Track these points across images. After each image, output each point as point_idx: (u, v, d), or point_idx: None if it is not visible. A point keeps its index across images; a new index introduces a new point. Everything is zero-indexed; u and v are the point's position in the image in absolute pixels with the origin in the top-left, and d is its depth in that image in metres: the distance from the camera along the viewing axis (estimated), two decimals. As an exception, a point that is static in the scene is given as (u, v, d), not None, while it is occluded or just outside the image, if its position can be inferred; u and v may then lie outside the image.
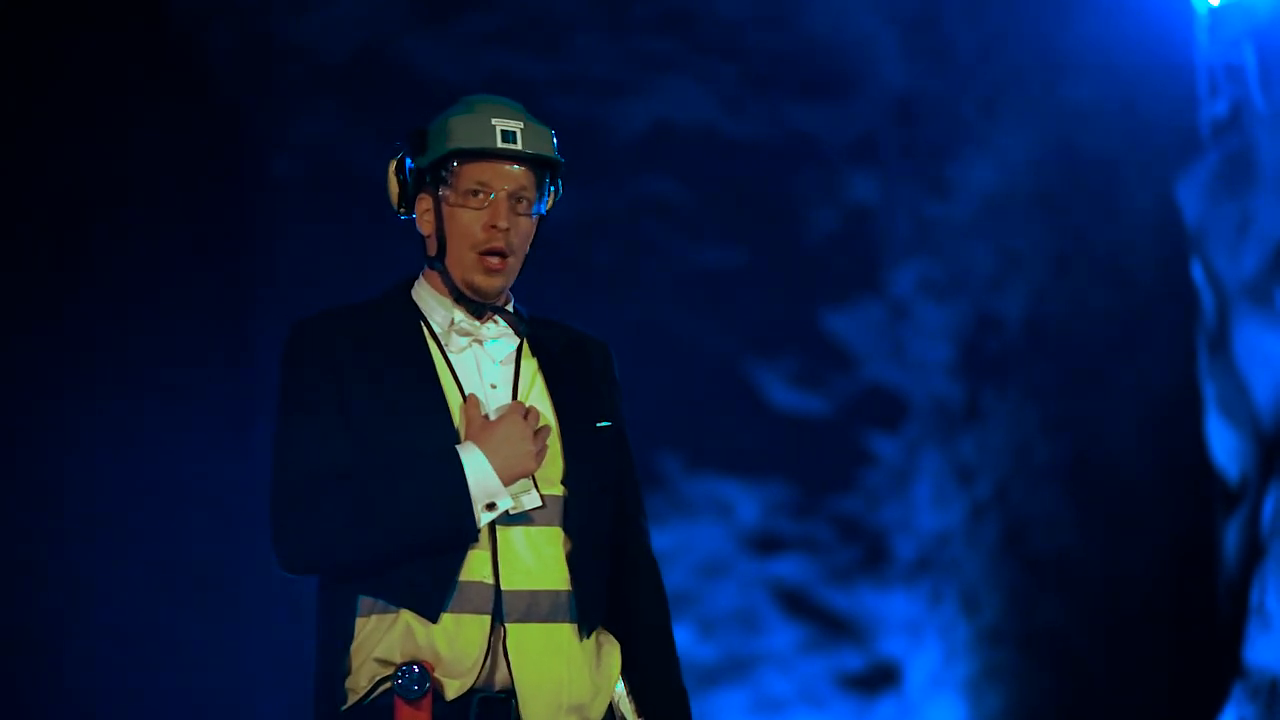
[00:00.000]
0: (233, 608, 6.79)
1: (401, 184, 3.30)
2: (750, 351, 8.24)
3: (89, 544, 6.70)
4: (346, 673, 3.16)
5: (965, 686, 8.10)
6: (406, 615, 3.13)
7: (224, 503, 6.62)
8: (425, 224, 3.29)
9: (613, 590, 3.30)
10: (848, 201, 8.28)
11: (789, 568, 8.24)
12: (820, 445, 8.26)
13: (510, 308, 3.31)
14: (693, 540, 8.21)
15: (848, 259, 8.27)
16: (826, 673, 8.21)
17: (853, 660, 8.22)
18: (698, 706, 8.36)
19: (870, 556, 8.27)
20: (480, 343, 3.27)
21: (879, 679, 8.23)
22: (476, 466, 3.13)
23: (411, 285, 3.33)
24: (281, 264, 7.68)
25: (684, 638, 8.08)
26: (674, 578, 8.12)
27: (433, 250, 3.28)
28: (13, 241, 6.70)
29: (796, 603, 8.24)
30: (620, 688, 3.29)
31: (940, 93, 8.17)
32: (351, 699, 3.16)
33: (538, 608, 3.16)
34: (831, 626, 8.23)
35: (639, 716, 3.30)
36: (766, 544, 8.24)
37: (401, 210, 3.33)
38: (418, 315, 3.28)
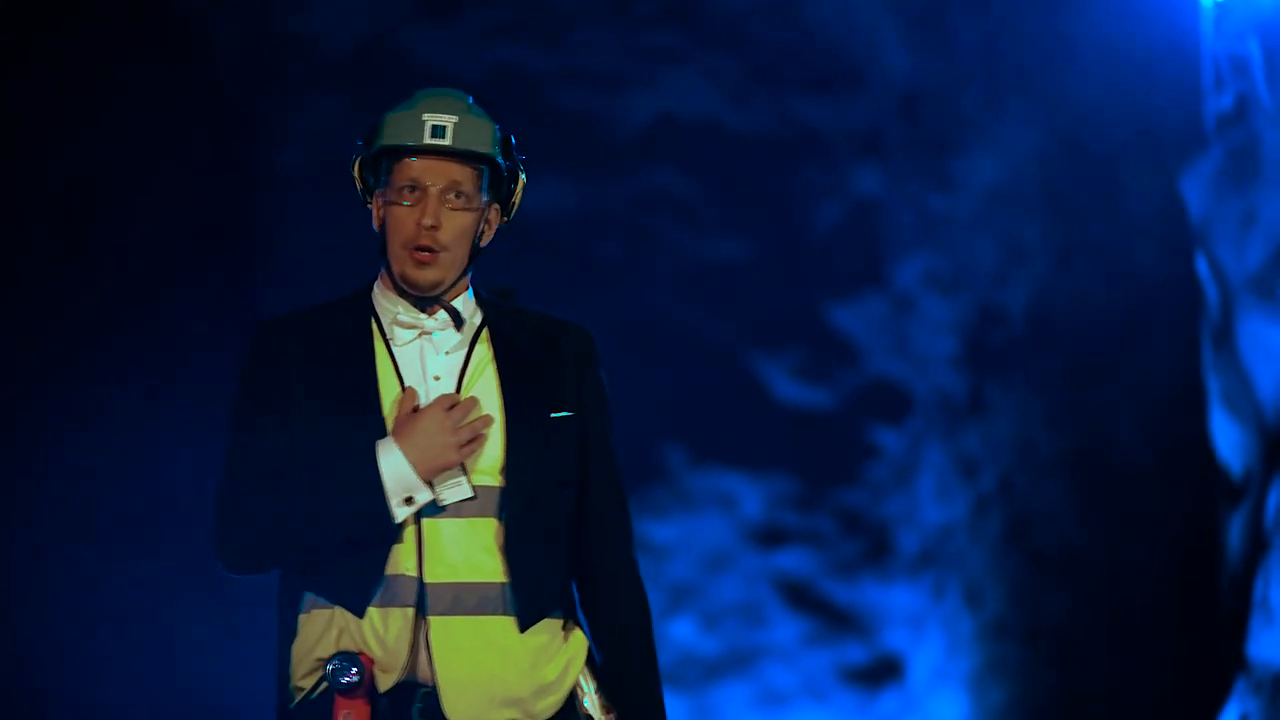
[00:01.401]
0: (235, 605, 6.78)
1: (362, 180, 3.28)
2: (754, 344, 8.24)
3: (89, 541, 6.70)
4: (291, 669, 3.18)
5: (968, 680, 8.11)
6: (339, 610, 3.13)
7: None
8: (377, 220, 3.27)
9: (584, 587, 3.28)
10: (852, 195, 8.28)
11: (792, 561, 8.24)
12: (824, 438, 8.26)
13: (467, 296, 3.29)
14: (696, 533, 8.21)
15: (852, 252, 8.27)
16: (830, 666, 8.22)
17: (856, 653, 8.22)
18: (701, 699, 8.37)
19: (874, 550, 8.27)
20: (428, 334, 3.25)
21: (882, 672, 8.23)
22: (393, 461, 3.12)
23: (374, 283, 3.32)
24: (285, 257, 7.68)
25: (687, 631, 8.07)
26: (677, 571, 8.12)
27: (380, 246, 3.26)
28: (14, 236, 6.69)
29: (800, 596, 8.24)
30: (586, 684, 3.26)
31: (944, 86, 8.16)
32: (298, 696, 3.17)
33: (464, 601, 3.14)
34: (835, 620, 8.23)
35: (608, 712, 3.27)
36: (770, 537, 8.25)
37: (368, 203, 3.31)
38: (370, 313, 3.26)
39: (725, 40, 8.13)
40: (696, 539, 8.21)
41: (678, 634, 7.96)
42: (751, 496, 8.24)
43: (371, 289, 3.30)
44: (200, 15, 7.51)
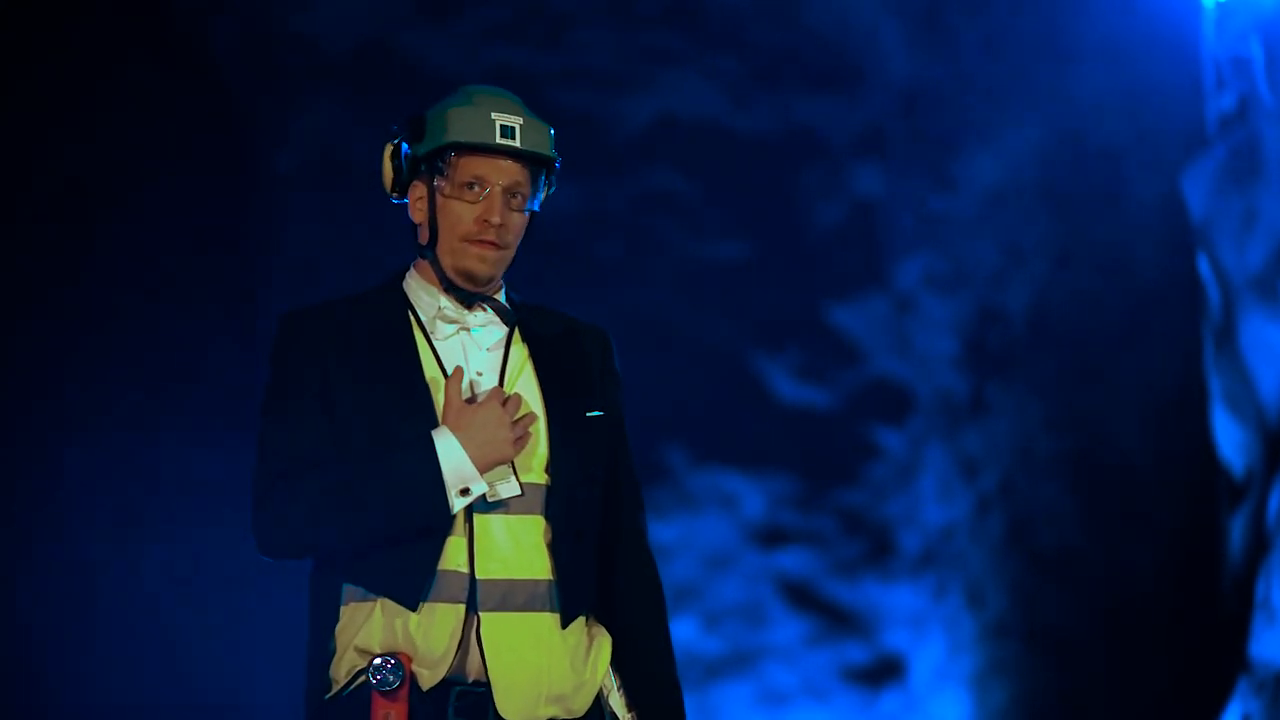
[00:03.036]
0: (238, 599, 6.79)
1: (396, 169, 3.29)
2: (755, 345, 8.24)
3: (90, 538, 6.70)
4: (329, 660, 3.17)
5: (970, 680, 8.10)
6: (384, 603, 3.13)
7: (226, 494, 6.62)
8: (418, 212, 3.29)
9: (606, 584, 3.29)
10: (852, 195, 8.27)
11: (794, 561, 8.24)
12: (825, 438, 8.25)
13: (501, 296, 3.30)
14: (697, 533, 8.20)
15: (852, 252, 8.26)
16: (831, 666, 8.21)
17: (857, 653, 8.22)
18: (702, 699, 8.37)
19: (875, 550, 8.26)
20: (467, 330, 3.26)
21: (883, 672, 8.23)
22: (451, 452, 3.12)
23: (403, 277, 3.33)
24: (284, 258, 7.68)
25: (688, 630, 8.07)
26: (679, 570, 8.11)
27: (424, 239, 3.28)
28: (13, 235, 6.69)
29: (801, 596, 8.24)
30: (611, 681, 3.27)
31: (945, 86, 8.16)
32: (334, 687, 3.16)
33: (514, 597, 3.15)
34: (836, 620, 8.23)
35: (630, 710, 3.28)
36: (771, 537, 8.24)
37: (395, 195, 3.32)
38: (405, 305, 3.28)
39: (725, 40, 8.13)
40: (697, 539, 8.21)
41: (679, 634, 7.94)
42: (752, 496, 8.24)
43: (403, 281, 3.32)
44: (200, 15, 7.51)
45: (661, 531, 8.11)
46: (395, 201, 3.34)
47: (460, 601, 3.13)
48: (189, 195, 7.19)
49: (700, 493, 8.21)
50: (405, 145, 3.28)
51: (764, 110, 8.19)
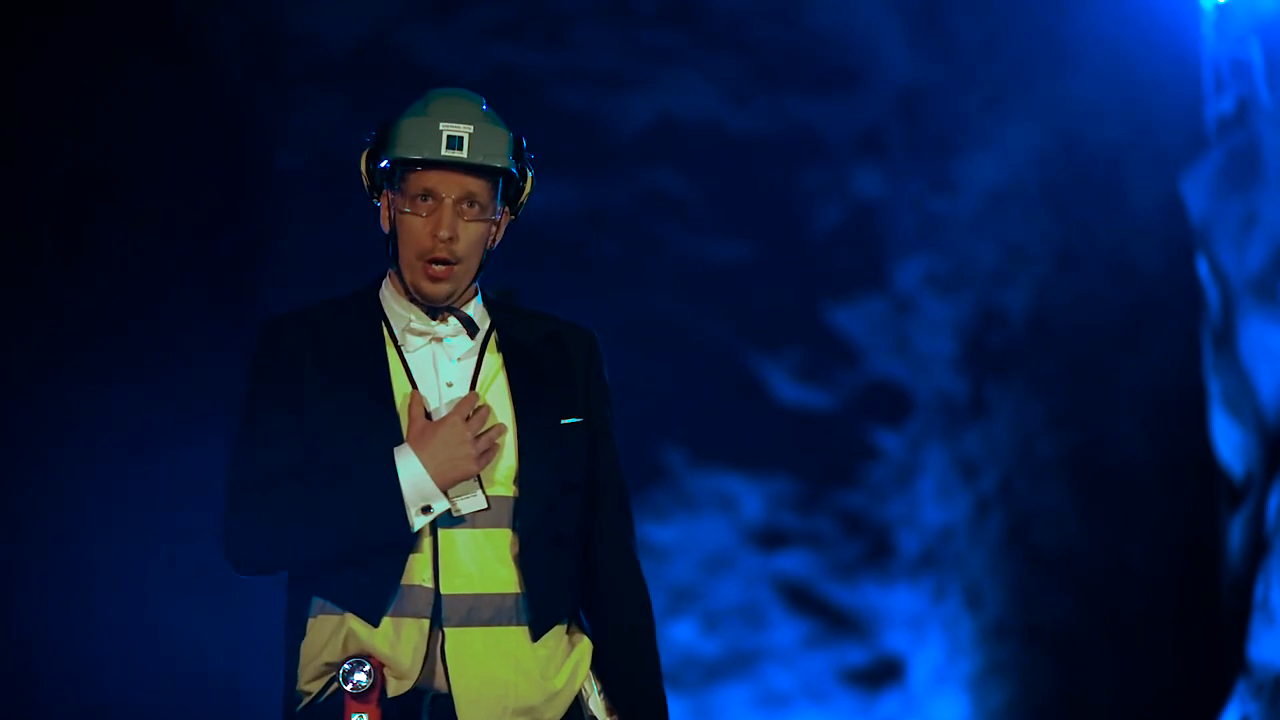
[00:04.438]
0: (238, 600, 6.79)
1: (371, 175, 3.24)
2: (754, 345, 8.24)
3: (90, 540, 6.70)
4: (298, 673, 3.15)
5: (969, 682, 8.10)
6: (350, 618, 3.11)
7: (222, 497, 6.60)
8: (385, 222, 3.23)
9: (588, 589, 3.27)
10: (852, 196, 8.28)
11: (793, 562, 8.24)
12: (824, 440, 8.26)
13: (476, 302, 3.27)
14: (697, 535, 8.21)
15: (852, 253, 8.27)
16: (830, 668, 8.22)
17: (856, 655, 8.22)
18: (701, 701, 8.36)
19: (874, 551, 8.27)
20: (439, 340, 3.23)
21: (883, 674, 8.23)
22: (411, 470, 3.09)
23: (380, 285, 3.29)
24: (283, 256, 7.68)
25: (687, 632, 8.07)
26: (677, 572, 8.12)
27: (390, 251, 3.23)
28: (13, 234, 6.69)
29: (800, 597, 8.24)
30: (592, 685, 3.27)
31: (945, 87, 8.17)
32: (305, 700, 3.15)
33: (479, 612, 3.13)
34: (835, 621, 8.23)
35: (611, 714, 3.26)
36: (770, 539, 8.24)
37: (376, 200, 3.28)
38: (380, 315, 3.24)
39: (725, 40, 8.14)
40: (696, 540, 8.21)
41: (678, 635, 7.96)
42: (751, 498, 8.24)
43: (379, 288, 3.28)
44: (200, 14, 7.51)
45: (660, 533, 8.11)
46: (378, 205, 3.29)
47: (425, 617, 3.11)
48: (188, 193, 7.20)
49: (699, 494, 8.22)
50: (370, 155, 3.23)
51: (764, 110, 8.19)
